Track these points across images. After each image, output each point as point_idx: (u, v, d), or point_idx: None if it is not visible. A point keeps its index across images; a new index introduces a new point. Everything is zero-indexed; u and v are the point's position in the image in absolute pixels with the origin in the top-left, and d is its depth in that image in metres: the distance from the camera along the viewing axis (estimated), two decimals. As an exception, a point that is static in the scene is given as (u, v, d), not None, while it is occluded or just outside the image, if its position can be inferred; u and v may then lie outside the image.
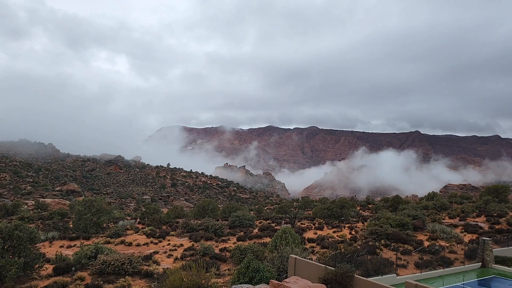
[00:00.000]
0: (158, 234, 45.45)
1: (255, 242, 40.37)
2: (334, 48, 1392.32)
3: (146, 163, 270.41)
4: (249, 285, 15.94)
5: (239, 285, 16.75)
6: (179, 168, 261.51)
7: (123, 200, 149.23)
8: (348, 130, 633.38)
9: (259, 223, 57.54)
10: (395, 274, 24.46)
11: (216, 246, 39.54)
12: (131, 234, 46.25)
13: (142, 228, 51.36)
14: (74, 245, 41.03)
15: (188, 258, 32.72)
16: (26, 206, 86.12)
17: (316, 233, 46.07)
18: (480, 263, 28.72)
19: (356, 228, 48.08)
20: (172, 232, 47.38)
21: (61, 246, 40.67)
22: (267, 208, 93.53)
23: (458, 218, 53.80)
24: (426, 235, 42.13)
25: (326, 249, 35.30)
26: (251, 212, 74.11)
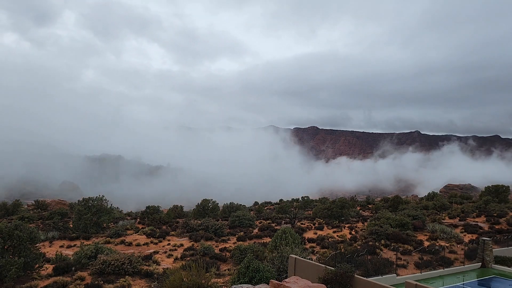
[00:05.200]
0: (158, 234, 45.43)
1: (255, 242, 40.40)
2: (362, 70, 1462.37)
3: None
4: (249, 285, 15.92)
5: (239, 285, 16.73)
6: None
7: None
8: (348, 130, 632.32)
9: (259, 223, 57.51)
10: (395, 274, 24.46)
11: (216, 246, 39.55)
12: (131, 234, 46.24)
13: (142, 228, 51.34)
14: (74, 245, 41.03)
15: (188, 258, 32.73)
16: (26, 206, 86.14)
17: (316, 233, 46.07)
18: (480, 263, 28.70)
19: (356, 228, 48.08)
20: (172, 232, 47.37)
21: (61, 246, 40.68)
22: (267, 208, 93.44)
23: (458, 218, 53.78)
24: (426, 235, 42.14)
25: (326, 249, 35.31)
26: (251, 212, 74.05)
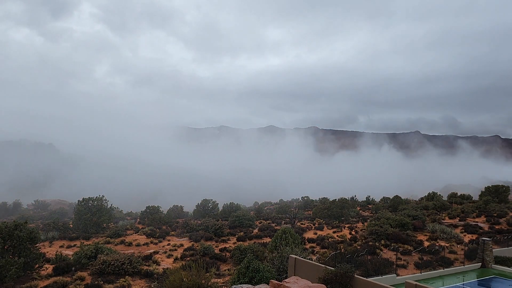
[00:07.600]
0: (158, 234, 45.44)
1: (255, 242, 40.39)
2: (368, 78, 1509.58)
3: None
4: (249, 285, 15.90)
5: (239, 285, 16.71)
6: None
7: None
8: (348, 130, 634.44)
9: (259, 223, 57.53)
10: (395, 274, 24.46)
11: (216, 246, 39.55)
12: (131, 234, 46.25)
13: (142, 228, 51.35)
14: (74, 245, 41.04)
15: (188, 258, 32.74)
16: (26, 206, 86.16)
17: (316, 233, 46.07)
18: (480, 263, 28.70)
19: (356, 228, 48.07)
20: (172, 232, 47.39)
21: (61, 246, 40.69)
22: (267, 208, 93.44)
23: (458, 218, 53.76)
24: (426, 235, 42.12)
25: (326, 249, 35.31)
26: (251, 212, 74.04)
